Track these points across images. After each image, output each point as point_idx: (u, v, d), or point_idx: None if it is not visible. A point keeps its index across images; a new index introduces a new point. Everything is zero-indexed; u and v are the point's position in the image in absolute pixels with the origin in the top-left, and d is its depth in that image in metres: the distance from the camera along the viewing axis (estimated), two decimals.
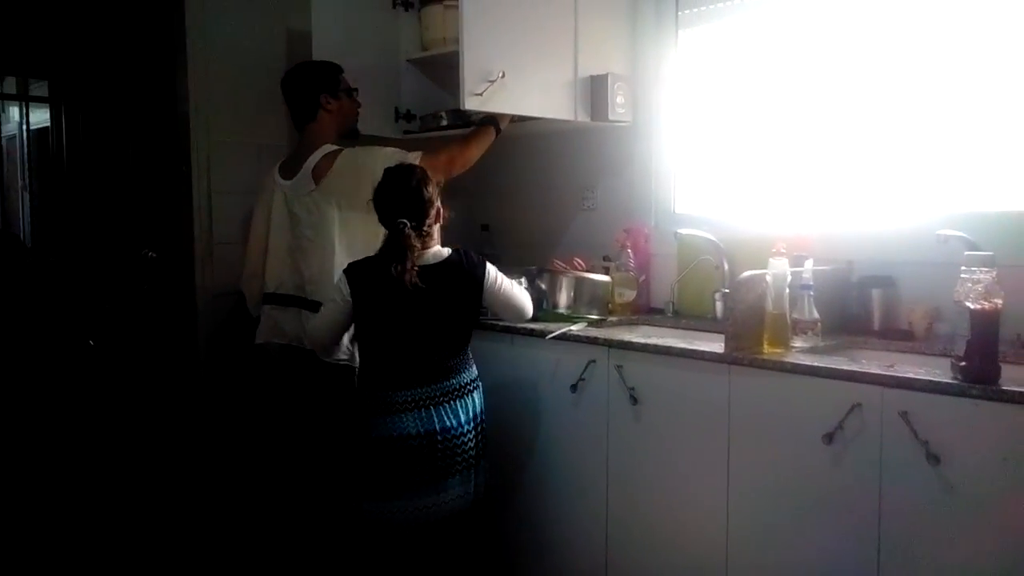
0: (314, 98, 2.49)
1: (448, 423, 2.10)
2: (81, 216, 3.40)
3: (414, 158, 2.34)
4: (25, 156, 4.77)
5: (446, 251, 2.15)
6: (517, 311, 2.25)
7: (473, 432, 2.16)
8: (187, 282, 2.90)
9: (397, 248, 2.02)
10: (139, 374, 3.10)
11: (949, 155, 2.23)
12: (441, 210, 2.16)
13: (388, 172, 2.15)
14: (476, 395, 2.19)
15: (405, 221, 2.03)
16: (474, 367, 2.22)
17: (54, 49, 3.33)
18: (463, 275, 2.11)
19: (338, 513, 2.35)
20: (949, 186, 2.23)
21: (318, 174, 2.40)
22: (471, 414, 2.16)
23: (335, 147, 2.45)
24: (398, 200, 2.08)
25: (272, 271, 2.51)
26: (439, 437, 2.08)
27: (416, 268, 2.01)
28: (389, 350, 2.12)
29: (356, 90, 2.61)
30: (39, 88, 4.33)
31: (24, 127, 4.78)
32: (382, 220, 2.11)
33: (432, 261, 2.11)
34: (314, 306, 2.37)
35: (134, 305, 3.16)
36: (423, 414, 2.08)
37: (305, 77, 2.53)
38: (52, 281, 3.36)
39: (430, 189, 2.11)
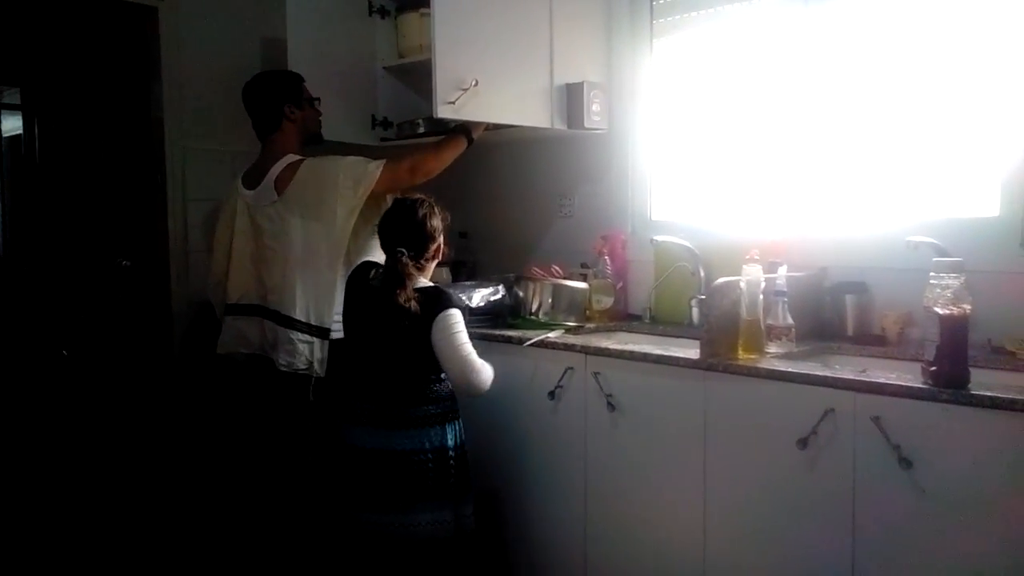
0: (277, 108, 2.48)
1: (403, 446, 2.07)
2: (55, 224, 3.36)
3: (376, 166, 2.33)
4: None
5: (426, 284, 2.16)
6: (458, 367, 2.04)
7: (442, 462, 2.10)
8: (162, 290, 2.87)
9: (394, 274, 2.06)
10: (114, 384, 3.07)
11: (919, 161, 2.26)
12: (442, 247, 2.21)
13: (397, 202, 2.22)
14: (446, 428, 2.12)
15: (404, 251, 2.08)
16: (447, 402, 2.14)
17: (26, 56, 3.30)
18: (424, 307, 2.05)
19: (315, 519, 2.34)
20: (919, 192, 2.26)
21: (280, 184, 2.38)
22: (437, 444, 2.10)
23: (297, 157, 2.43)
24: (402, 230, 2.13)
25: (235, 281, 2.48)
26: (393, 457, 2.07)
27: (414, 295, 2.05)
28: (357, 360, 2.18)
29: (318, 99, 2.60)
30: (11, 95, 4.28)
31: None
32: (384, 246, 2.15)
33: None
34: (276, 316, 2.36)
35: (109, 314, 3.13)
36: (376, 431, 2.10)
37: (267, 87, 2.50)
38: (25, 290, 3.32)
39: (435, 223, 2.16)
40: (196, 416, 2.84)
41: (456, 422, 2.16)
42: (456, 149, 2.51)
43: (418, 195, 2.22)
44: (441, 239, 2.20)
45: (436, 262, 2.23)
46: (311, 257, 2.34)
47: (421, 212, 2.14)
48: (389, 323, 2.06)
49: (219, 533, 2.76)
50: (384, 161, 2.37)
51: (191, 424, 2.84)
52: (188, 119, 2.82)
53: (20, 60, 3.32)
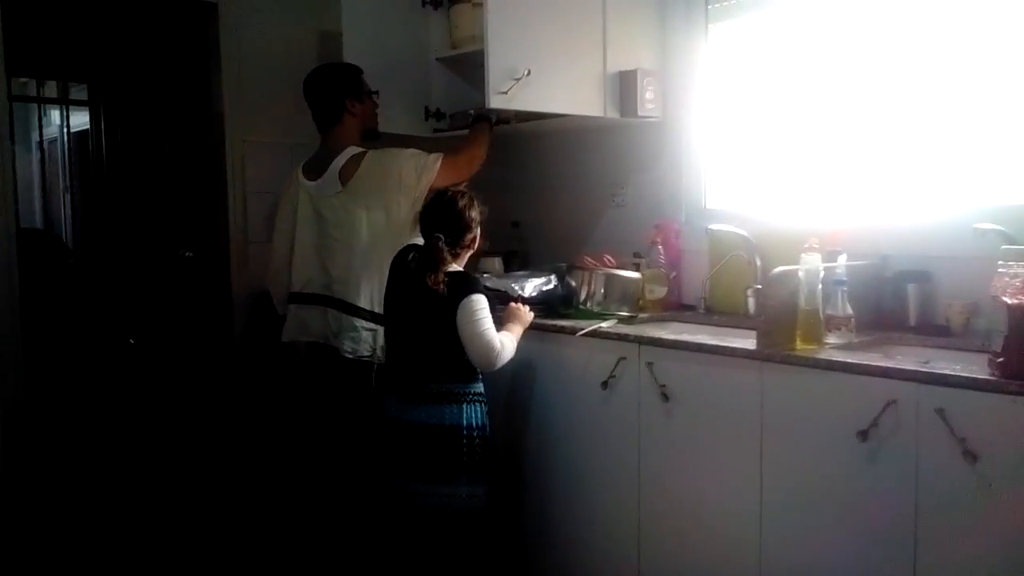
0: (339, 101, 2.52)
1: (420, 419, 2.18)
2: (120, 217, 3.48)
3: (436, 159, 2.41)
4: (66, 158, 4.89)
5: (457, 269, 2.23)
6: (479, 349, 2.13)
7: (454, 440, 2.17)
8: (223, 280, 2.94)
9: (430, 258, 2.17)
10: (178, 372, 3.16)
11: (986, 147, 2.18)
12: (478, 238, 2.29)
13: (439, 193, 2.31)
14: (463, 408, 2.18)
15: (441, 236, 2.17)
16: (473, 385, 2.21)
17: (93, 53, 3.40)
18: (451, 290, 2.14)
19: (367, 492, 2.41)
20: (986, 178, 2.19)
21: (345, 176, 2.43)
22: (452, 422, 2.17)
23: (360, 149, 2.48)
24: (441, 218, 2.23)
25: (298, 270, 2.54)
26: (411, 429, 2.18)
27: (445, 278, 2.14)
28: (392, 336, 2.32)
29: (377, 92, 2.64)
30: (79, 92, 4.43)
31: (64, 130, 4.90)
32: (423, 231, 2.25)
33: None
34: (340, 304, 2.41)
35: (172, 304, 3.22)
36: (401, 403, 2.21)
37: (330, 80, 2.55)
38: (95, 282, 3.44)
39: (473, 214, 2.25)
40: (257, 402, 2.91)
41: (475, 405, 2.22)
42: (488, 135, 2.60)
43: (459, 187, 2.32)
44: (478, 231, 2.28)
45: (471, 251, 2.30)
46: (375, 246, 2.40)
47: (461, 203, 2.24)
48: (419, 303, 2.17)
49: (282, 517, 2.83)
50: (442, 155, 2.43)
51: (253, 410, 2.91)
52: (247, 113, 2.88)
53: (87, 57, 3.43)
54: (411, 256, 2.26)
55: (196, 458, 3.06)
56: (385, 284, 2.33)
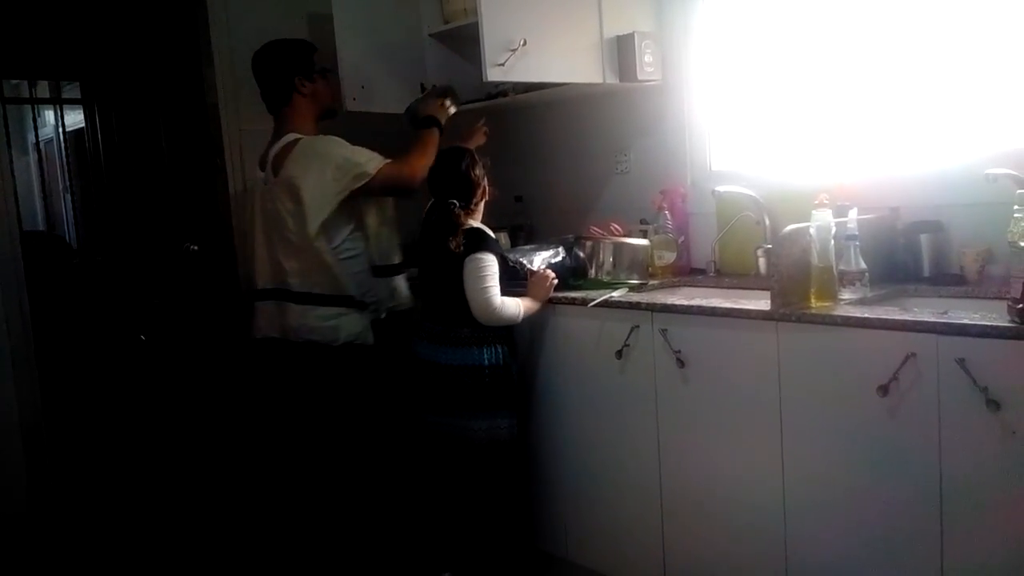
0: (288, 81, 2.39)
1: (447, 360, 2.34)
2: (122, 214, 3.46)
3: (375, 164, 2.34)
4: (64, 158, 4.86)
5: (474, 226, 2.33)
6: (478, 306, 2.27)
7: (478, 378, 2.32)
8: (230, 273, 2.93)
9: (448, 223, 2.29)
10: (191, 366, 3.16)
11: (994, 91, 2.14)
12: (487, 189, 2.38)
13: (441, 155, 2.38)
14: (483, 349, 2.32)
15: (455, 202, 2.29)
16: (482, 328, 2.31)
17: (83, 50, 3.37)
18: (465, 249, 2.28)
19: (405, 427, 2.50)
20: (995, 123, 2.15)
21: (276, 165, 2.35)
22: (473, 362, 2.32)
23: (296, 136, 2.37)
24: (449, 182, 2.33)
25: (258, 267, 2.46)
26: (439, 370, 2.35)
27: (463, 239, 2.28)
28: (423, 284, 2.49)
29: (331, 69, 2.52)
30: (71, 90, 4.39)
31: (60, 130, 4.86)
32: (433, 195, 2.39)
33: None
34: (299, 297, 2.36)
35: (181, 298, 3.21)
36: (430, 345, 2.39)
37: (276, 58, 2.41)
38: (100, 279, 3.43)
39: (477, 171, 2.34)
40: (266, 394, 2.90)
41: (494, 346, 2.34)
42: (436, 141, 2.49)
43: (457, 146, 2.42)
44: (485, 182, 2.36)
45: (483, 202, 2.39)
46: (303, 237, 2.31)
47: (464, 163, 2.32)
48: (439, 258, 2.32)
49: (293, 512, 2.82)
50: (384, 162, 2.34)
51: (266, 402, 2.91)
52: (243, 102, 2.84)
53: (77, 54, 3.39)
54: (435, 215, 2.36)
55: (212, 452, 3.07)
56: (322, 271, 2.34)
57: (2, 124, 2.71)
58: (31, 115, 4.66)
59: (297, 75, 2.41)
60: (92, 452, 3.18)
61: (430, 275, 2.44)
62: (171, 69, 3.12)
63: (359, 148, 2.36)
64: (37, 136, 5.12)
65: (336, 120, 2.56)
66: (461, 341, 2.33)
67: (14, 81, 4.43)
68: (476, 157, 2.35)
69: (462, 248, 2.27)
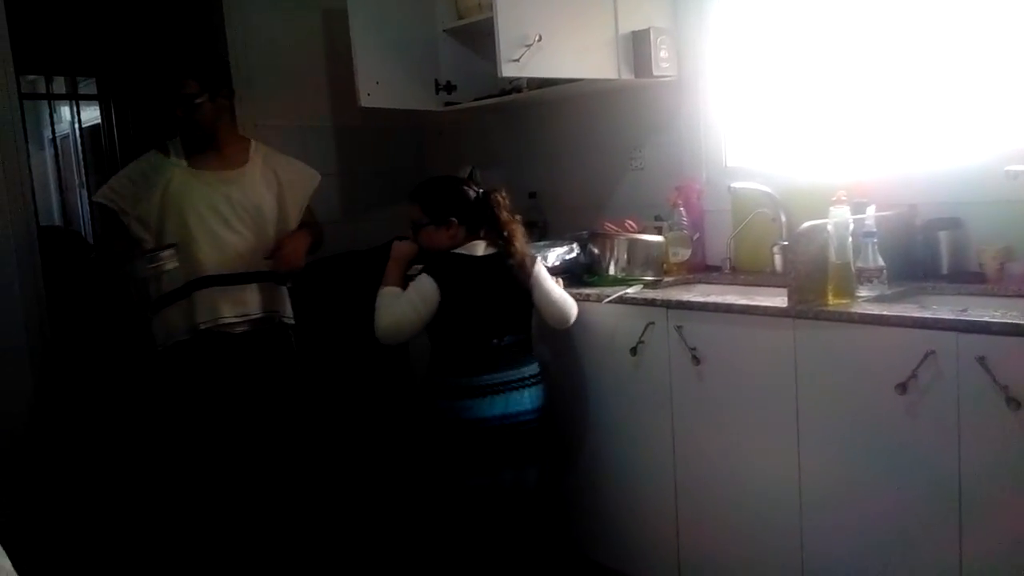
0: None
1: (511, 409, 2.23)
2: None
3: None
4: (80, 154, 4.89)
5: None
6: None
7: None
8: None
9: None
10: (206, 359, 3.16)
11: (1013, 86, 2.12)
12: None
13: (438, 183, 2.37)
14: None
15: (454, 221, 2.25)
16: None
17: (99, 46, 3.38)
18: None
19: (434, 490, 2.41)
20: (1015, 119, 2.12)
21: None
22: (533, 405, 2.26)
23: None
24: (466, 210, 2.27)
25: None
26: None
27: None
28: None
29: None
30: (87, 86, 4.42)
31: (76, 125, 4.90)
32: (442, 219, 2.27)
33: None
34: None
35: None
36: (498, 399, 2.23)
37: None
38: (117, 284, 3.44)
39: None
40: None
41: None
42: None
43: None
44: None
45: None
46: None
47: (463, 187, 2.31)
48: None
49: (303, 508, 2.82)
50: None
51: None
52: (258, 97, 2.85)
53: (94, 50, 3.41)
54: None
55: (230, 444, 3.07)
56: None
57: (19, 119, 2.73)
58: (47, 111, 4.68)
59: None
60: (106, 446, 3.19)
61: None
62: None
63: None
64: (53, 131, 5.15)
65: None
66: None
67: (31, 77, 4.46)
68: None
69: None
